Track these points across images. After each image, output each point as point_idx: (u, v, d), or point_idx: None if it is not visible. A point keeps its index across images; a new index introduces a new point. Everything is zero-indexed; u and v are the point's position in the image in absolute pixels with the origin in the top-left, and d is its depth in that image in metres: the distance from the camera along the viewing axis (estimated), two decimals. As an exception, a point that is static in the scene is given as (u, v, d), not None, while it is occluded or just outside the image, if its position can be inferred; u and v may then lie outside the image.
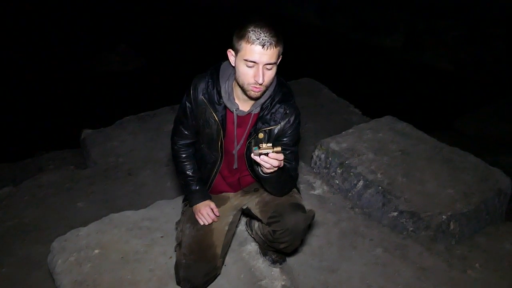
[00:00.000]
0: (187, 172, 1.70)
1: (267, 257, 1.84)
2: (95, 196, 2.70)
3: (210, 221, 1.67)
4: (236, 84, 1.46)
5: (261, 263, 1.84)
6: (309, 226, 1.63)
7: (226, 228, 1.71)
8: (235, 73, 1.42)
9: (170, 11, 8.05)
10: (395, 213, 2.13)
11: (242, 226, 2.00)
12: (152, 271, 1.75)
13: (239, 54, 1.35)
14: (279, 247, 1.59)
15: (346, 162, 2.35)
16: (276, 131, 1.52)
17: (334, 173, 2.41)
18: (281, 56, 1.39)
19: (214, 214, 1.69)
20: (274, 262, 1.82)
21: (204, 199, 1.70)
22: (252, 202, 1.72)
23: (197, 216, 1.69)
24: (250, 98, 1.45)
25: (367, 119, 3.32)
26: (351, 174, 2.32)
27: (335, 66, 6.07)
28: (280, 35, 1.34)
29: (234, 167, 1.65)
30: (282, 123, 1.51)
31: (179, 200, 2.06)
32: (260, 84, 1.36)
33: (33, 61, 6.04)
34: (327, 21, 7.45)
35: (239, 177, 1.71)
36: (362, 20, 7.05)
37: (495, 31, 6.12)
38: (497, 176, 2.28)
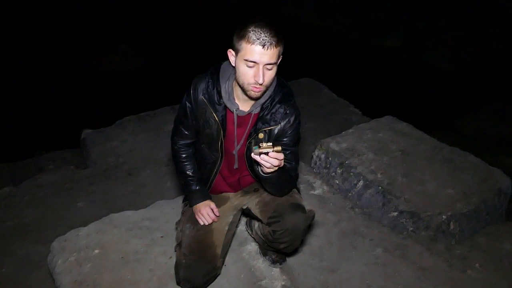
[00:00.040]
0: (187, 172, 1.70)
1: (267, 257, 1.84)
2: (95, 196, 2.70)
3: (210, 221, 1.67)
4: (236, 84, 1.46)
5: (261, 263, 1.84)
6: (309, 226, 1.63)
7: (226, 228, 1.71)
8: (235, 73, 1.42)
9: (170, 11, 8.05)
10: (395, 213, 2.13)
11: (242, 226, 2.00)
12: (152, 271, 1.75)
13: (239, 54, 1.36)
14: (279, 247, 1.59)
15: (346, 162, 2.35)
16: (276, 131, 1.52)
17: (334, 173, 2.41)
18: (281, 56, 1.39)
19: (214, 214, 1.69)
20: (274, 262, 1.82)
21: (204, 199, 1.71)
22: (252, 202, 1.72)
23: (197, 216, 1.69)
24: (250, 98, 1.45)
25: (367, 119, 3.32)
26: (351, 174, 2.32)
27: (335, 66, 6.07)
28: (281, 35, 1.34)
29: (234, 167, 1.65)
30: (282, 123, 1.51)
31: (179, 200, 2.06)
32: (260, 84, 1.36)
33: (33, 61, 6.03)
34: (327, 21, 7.44)
35: (239, 177, 1.71)
36: (362, 20, 7.04)
37: (495, 31, 6.11)
38: (497, 176, 2.28)
